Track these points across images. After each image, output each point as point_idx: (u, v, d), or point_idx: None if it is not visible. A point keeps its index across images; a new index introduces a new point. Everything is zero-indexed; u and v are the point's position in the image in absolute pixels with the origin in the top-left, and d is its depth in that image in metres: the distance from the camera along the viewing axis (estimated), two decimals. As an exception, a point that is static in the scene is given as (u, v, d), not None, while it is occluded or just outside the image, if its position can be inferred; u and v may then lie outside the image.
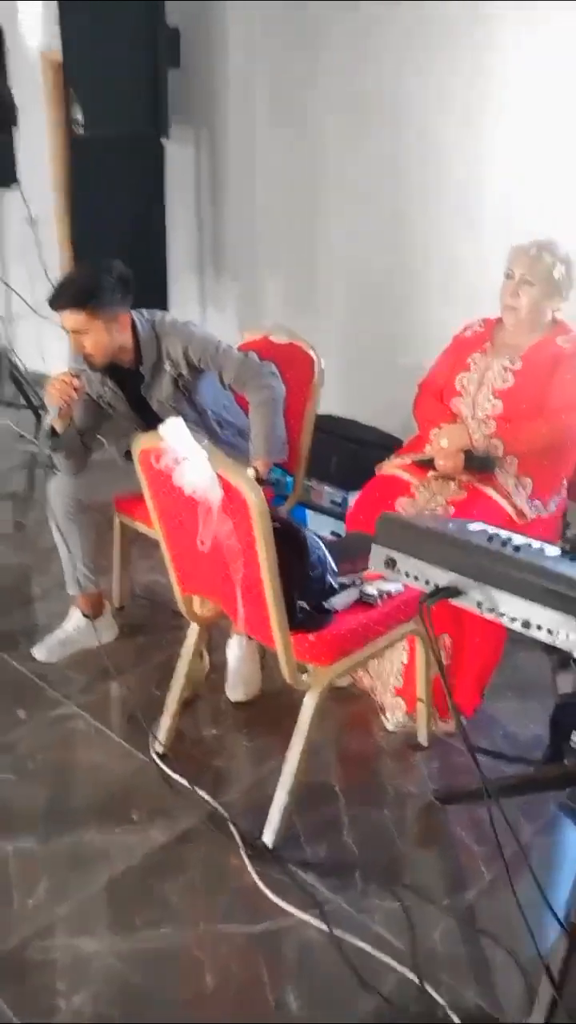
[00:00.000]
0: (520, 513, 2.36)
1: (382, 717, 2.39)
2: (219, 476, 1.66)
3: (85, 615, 2.69)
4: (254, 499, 1.62)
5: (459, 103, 3.13)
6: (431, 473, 2.48)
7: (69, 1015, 1.54)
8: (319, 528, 3.40)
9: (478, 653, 2.36)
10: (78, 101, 3.85)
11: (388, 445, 3.21)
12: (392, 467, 2.59)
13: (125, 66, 3.71)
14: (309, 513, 3.46)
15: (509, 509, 2.36)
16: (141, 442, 1.85)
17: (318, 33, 3.51)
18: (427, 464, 2.50)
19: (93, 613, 2.70)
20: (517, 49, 2.92)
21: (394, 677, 2.37)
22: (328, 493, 3.40)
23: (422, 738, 2.29)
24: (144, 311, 2.49)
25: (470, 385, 2.51)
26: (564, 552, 1.39)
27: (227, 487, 1.66)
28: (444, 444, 2.43)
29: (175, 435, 1.68)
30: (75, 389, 2.39)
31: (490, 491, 2.41)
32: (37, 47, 4.92)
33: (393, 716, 2.37)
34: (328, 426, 3.33)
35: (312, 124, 3.67)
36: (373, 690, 2.47)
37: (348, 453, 3.33)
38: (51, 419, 2.39)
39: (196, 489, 1.70)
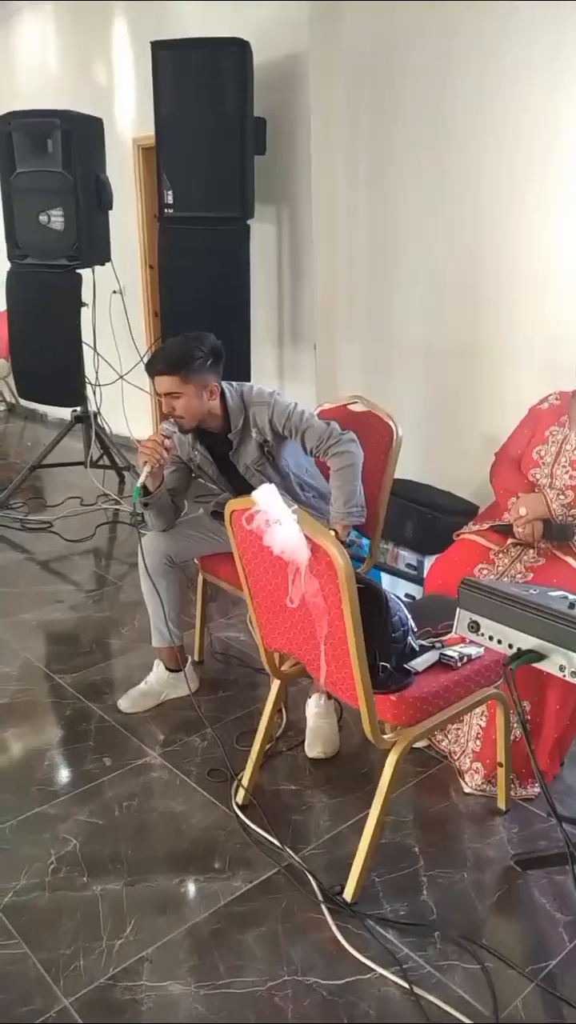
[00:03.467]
0: (598, 580, 2.39)
1: (460, 780, 2.41)
2: (307, 538, 1.76)
3: (168, 668, 2.79)
4: (341, 561, 1.71)
5: (533, 181, 3.26)
6: (510, 540, 2.54)
7: (157, 1055, 1.60)
8: (394, 591, 3.47)
9: (558, 720, 2.37)
10: (169, 185, 4.12)
11: (463, 511, 3.29)
12: (471, 533, 2.66)
13: (214, 153, 3.98)
14: (384, 576, 3.54)
15: (587, 576, 2.40)
16: (232, 504, 1.97)
17: (394, 118, 3.72)
18: (506, 531, 2.56)
19: (175, 666, 2.80)
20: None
21: (473, 741, 2.40)
22: (403, 556, 3.47)
23: (501, 803, 2.30)
24: (233, 383, 2.65)
25: (547, 456, 2.58)
26: None
27: (315, 548, 1.76)
28: (523, 512, 2.49)
29: (268, 499, 1.79)
30: (166, 449, 2.54)
31: (569, 558, 2.45)
32: (128, 132, 5.31)
33: (472, 780, 2.39)
34: (404, 491, 3.43)
35: (388, 200, 3.86)
36: (451, 753, 2.49)
37: (423, 518, 3.40)
38: (143, 477, 2.54)
39: (285, 550, 1.79)
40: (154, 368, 2.53)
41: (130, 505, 4.72)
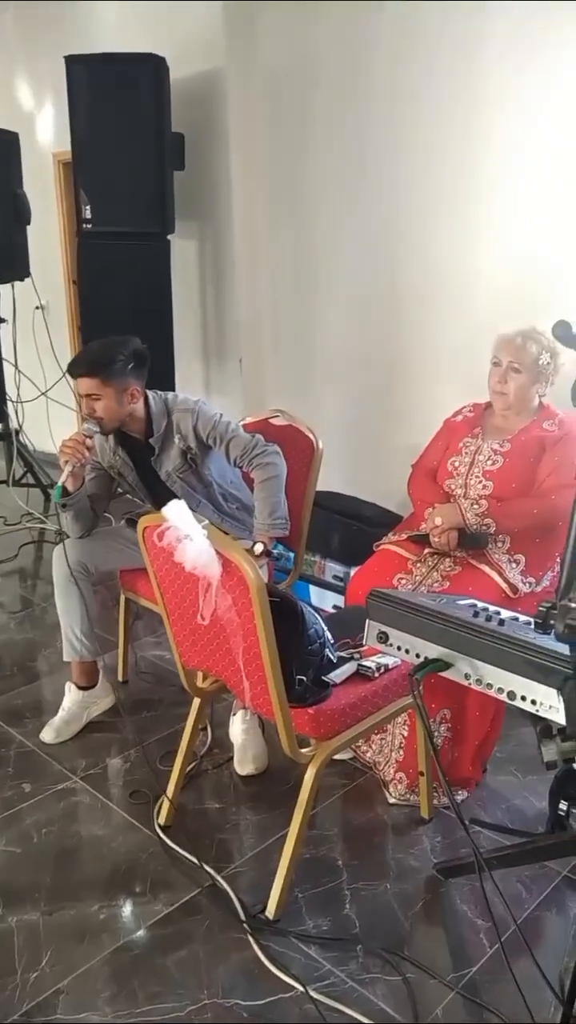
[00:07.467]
0: (513, 588, 2.43)
1: (384, 791, 2.42)
2: (219, 553, 1.75)
3: (79, 687, 2.73)
4: (252, 575, 1.70)
5: (453, 195, 3.31)
6: (427, 550, 2.57)
7: None
8: (322, 603, 3.48)
9: (478, 727, 2.40)
10: (87, 200, 4.09)
11: (388, 522, 3.31)
12: (390, 543, 2.68)
13: (133, 168, 3.96)
14: (312, 588, 3.54)
15: (502, 584, 2.43)
16: (144, 521, 1.94)
17: (313, 133, 3.75)
18: (423, 540, 2.59)
19: (87, 683, 2.73)
20: (506, 140, 3.10)
21: (396, 751, 2.41)
22: (330, 568, 3.48)
23: (424, 812, 2.31)
24: (160, 392, 2.67)
25: (461, 467, 2.62)
26: (536, 625, 1.46)
27: (226, 563, 1.75)
28: (438, 522, 2.52)
29: (177, 514, 1.77)
30: (87, 449, 2.53)
31: (484, 567, 2.48)
32: (48, 147, 5.26)
33: (396, 790, 2.39)
34: (330, 503, 3.44)
35: (310, 215, 3.88)
36: (375, 764, 2.50)
37: (349, 529, 3.42)
38: (64, 477, 2.52)
39: (197, 566, 1.78)
40: (75, 370, 2.54)
41: (55, 523, 4.64)
